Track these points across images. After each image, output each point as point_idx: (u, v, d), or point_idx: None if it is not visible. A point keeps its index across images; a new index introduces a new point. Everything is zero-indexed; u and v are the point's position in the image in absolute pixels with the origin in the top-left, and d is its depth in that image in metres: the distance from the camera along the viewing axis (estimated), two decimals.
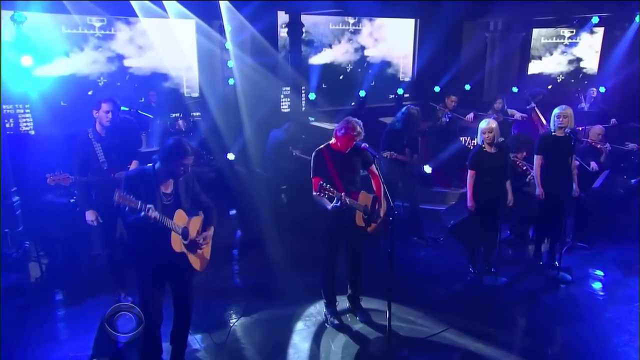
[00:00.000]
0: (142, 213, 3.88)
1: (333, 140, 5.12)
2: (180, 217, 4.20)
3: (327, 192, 4.67)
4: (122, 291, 5.57)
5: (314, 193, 4.96)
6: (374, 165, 5.23)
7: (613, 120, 9.13)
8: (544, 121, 9.04)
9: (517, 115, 9.44)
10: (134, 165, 5.54)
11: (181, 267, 4.33)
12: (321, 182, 4.68)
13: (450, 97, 9.47)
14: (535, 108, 9.29)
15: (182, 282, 4.46)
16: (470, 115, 9.26)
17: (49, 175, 5.19)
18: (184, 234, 4.24)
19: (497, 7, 11.09)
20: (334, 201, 4.78)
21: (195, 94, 10.47)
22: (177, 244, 4.17)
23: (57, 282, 6.12)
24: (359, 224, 5.14)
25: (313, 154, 5.11)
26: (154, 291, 4.26)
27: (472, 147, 7.26)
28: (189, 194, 4.36)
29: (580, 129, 8.42)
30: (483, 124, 6.18)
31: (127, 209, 3.90)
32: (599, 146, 7.77)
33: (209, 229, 4.47)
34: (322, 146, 5.14)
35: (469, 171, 6.30)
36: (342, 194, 4.79)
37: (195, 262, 4.38)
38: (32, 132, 8.16)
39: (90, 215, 5.36)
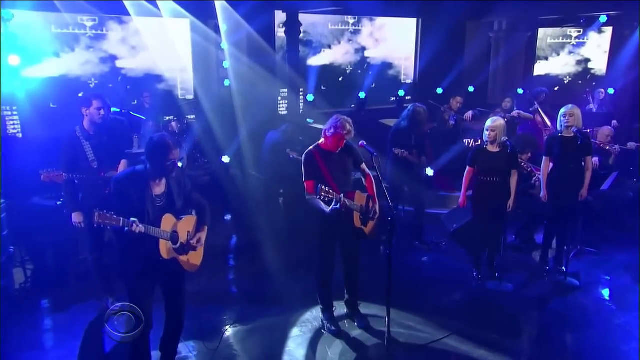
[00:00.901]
0: (126, 229, 3.84)
1: (322, 141, 5.07)
2: (167, 222, 4.13)
3: (326, 195, 4.62)
4: (110, 297, 5.53)
5: (308, 196, 4.94)
6: (364, 164, 5.21)
7: (614, 123, 9.09)
8: (548, 123, 9.00)
9: (515, 112, 9.38)
10: (122, 165, 5.52)
11: (172, 271, 4.28)
12: (320, 185, 4.62)
13: (455, 98, 9.45)
14: (539, 109, 9.25)
15: (173, 287, 4.40)
16: (469, 114, 9.23)
17: (42, 171, 5.17)
18: (173, 238, 4.17)
19: (501, 7, 11.11)
20: (333, 203, 4.73)
21: (190, 96, 10.45)
22: (165, 250, 4.11)
23: (42, 288, 6.07)
24: (357, 225, 5.11)
25: (303, 156, 5.07)
26: (143, 296, 4.18)
27: None
28: (181, 193, 4.31)
29: (588, 130, 8.38)
30: (489, 122, 6.15)
31: (108, 227, 3.83)
32: (607, 148, 7.73)
33: (202, 229, 4.41)
34: (311, 147, 5.09)
35: (467, 168, 6.27)
36: (341, 195, 4.74)
37: (186, 264, 4.33)
38: (20, 135, 8.14)
39: (76, 217, 5.33)
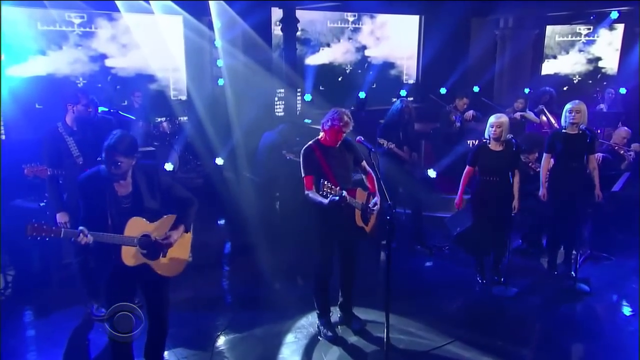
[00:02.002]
0: (72, 239, 3.74)
1: (321, 135, 5.06)
2: (134, 226, 3.96)
3: (329, 191, 4.58)
4: (95, 302, 5.48)
5: (307, 192, 4.89)
6: (364, 161, 5.20)
7: (620, 125, 9.06)
8: (554, 123, 8.98)
9: (517, 114, 9.36)
10: None
11: (146, 275, 4.15)
12: (322, 180, 4.59)
13: (462, 99, 9.41)
14: (544, 110, 9.23)
15: (151, 290, 4.29)
16: (469, 113, 9.21)
17: (25, 166, 5.14)
18: (143, 244, 4.01)
19: (507, 3, 11.09)
20: (332, 195, 4.67)
21: (183, 97, 10.46)
22: (129, 257, 3.95)
23: (24, 294, 6.03)
24: (359, 224, 5.08)
25: (302, 150, 5.04)
26: (121, 300, 4.08)
27: None
28: (154, 192, 4.11)
29: (598, 131, 8.35)
30: (492, 118, 6.11)
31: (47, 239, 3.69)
32: (622, 152, 7.68)
33: (178, 227, 4.18)
34: (311, 142, 5.08)
35: (466, 167, 6.26)
36: (343, 191, 4.70)
37: (162, 268, 4.17)
38: (3, 137, 8.13)
39: (61, 218, 5.28)
